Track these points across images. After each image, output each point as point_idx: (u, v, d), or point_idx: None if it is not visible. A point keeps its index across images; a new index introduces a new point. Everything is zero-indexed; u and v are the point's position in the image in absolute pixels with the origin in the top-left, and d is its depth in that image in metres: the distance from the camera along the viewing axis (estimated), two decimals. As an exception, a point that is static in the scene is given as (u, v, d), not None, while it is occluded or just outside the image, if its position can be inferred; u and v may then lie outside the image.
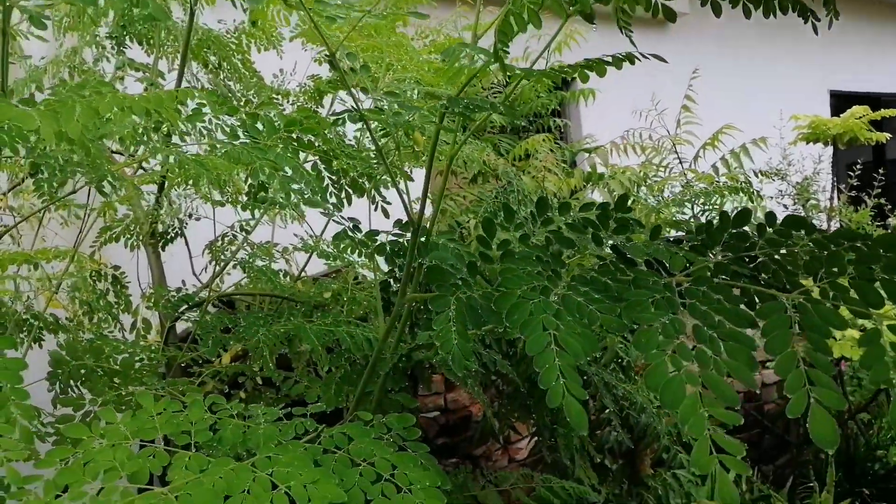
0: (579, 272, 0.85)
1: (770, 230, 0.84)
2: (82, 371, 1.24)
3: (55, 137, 1.05)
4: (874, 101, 6.03)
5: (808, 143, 4.09)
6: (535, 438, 2.56)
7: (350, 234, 1.20)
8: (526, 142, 2.22)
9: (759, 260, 0.82)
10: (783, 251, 0.81)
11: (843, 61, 6.81)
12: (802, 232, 0.83)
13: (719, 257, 0.84)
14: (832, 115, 4.74)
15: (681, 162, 2.50)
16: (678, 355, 0.63)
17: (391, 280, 1.65)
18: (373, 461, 0.87)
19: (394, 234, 1.22)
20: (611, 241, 0.94)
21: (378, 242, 1.20)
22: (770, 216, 0.85)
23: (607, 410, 2.10)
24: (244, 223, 2.08)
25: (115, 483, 0.73)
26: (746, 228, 0.85)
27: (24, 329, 1.64)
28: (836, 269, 0.73)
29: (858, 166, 4.59)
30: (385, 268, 1.69)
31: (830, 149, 4.54)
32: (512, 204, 1.68)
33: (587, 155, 2.63)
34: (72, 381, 1.26)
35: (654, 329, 0.66)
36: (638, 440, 2.63)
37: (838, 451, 3.97)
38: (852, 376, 4.73)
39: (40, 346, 1.67)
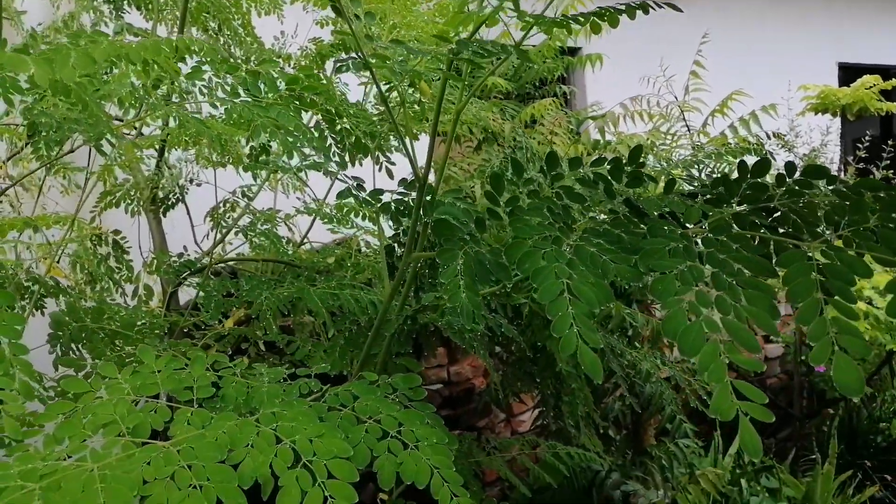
0: (591, 225, 0.83)
1: (790, 181, 0.81)
2: (83, 333, 1.22)
3: (51, 87, 1.02)
4: (883, 72, 5.93)
5: (816, 113, 4.03)
6: (539, 410, 2.56)
7: (354, 192, 1.18)
8: (532, 106, 2.18)
9: (779, 212, 0.79)
10: (803, 202, 0.78)
11: (851, 33, 6.70)
12: (824, 182, 0.80)
13: (737, 209, 0.81)
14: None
15: (689, 129, 2.46)
16: (697, 302, 0.60)
17: (396, 245, 1.62)
18: (379, 418, 0.85)
19: (399, 194, 1.19)
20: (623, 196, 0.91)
21: (383, 201, 1.17)
22: (790, 166, 0.82)
23: (614, 377, 2.09)
24: (246, 189, 2.05)
25: (115, 437, 0.71)
26: (765, 179, 0.82)
27: (26, 296, 1.62)
28: (858, 218, 0.70)
29: (867, 139, 4.53)
30: (390, 234, 1.67)
31: (839, 120, 4.48)
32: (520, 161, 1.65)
33: (593, 123, 2.58)
34: (73, 344, 1.24)
35: (671, 276, 0.63)
36: (642, 410, 2.62)
37: (841, 423, 3.98)
38: (856, 350, 4.71)
39: (42, 313, 1.65)
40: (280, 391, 0.90)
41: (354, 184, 1.21)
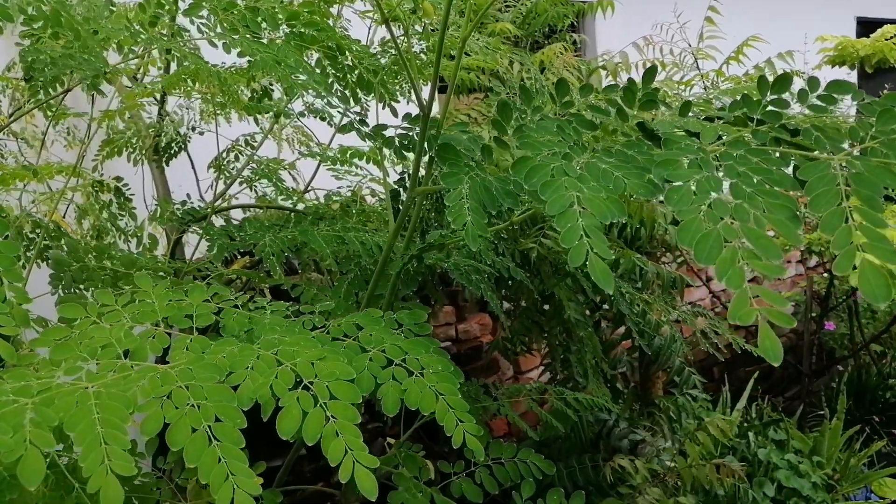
0: (604, 146, 0.79)
1: (813, 96, 0.77)
2: (84, 273, 1.20)
3: (43, 17, 0.99)
4: (903, 25, 5.77)
5: (833, 66, 3.92)
6: (547, 362, 2.55)
7: (356, 125, 1.14)
8: (542, 52, 2.12)
9: (802, 129, 0.75)
10: (827, 118, 0.74)
11: (871, -15, 6.50)
12: (849, 97, 0.76)
13: (757, 128, 0.77)
14: (859, 40, 4.54)
15: (703, 77, 2.39)
16: (714, 210, 0.57)
17: (401, 189, 1.59)
18: (383, 348, 0.83)
19: (402, 128, 1.16)
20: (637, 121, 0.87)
21: (386, 136, 1.14)
22: (813, 81, 0.78)
23: (622, 329, 2.07)
24: (249, 137, 2.02)
25: (112, 360, 0.70)
26: (786, 96, 0.78)
27: (30, 246, 1.61)
28: (887, 129, 0.66)
29: (884, 93, 4.41)
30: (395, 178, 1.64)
31: (856, 74, 4.36)
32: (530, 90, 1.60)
33: (605, 73, 2.51)
34: (74, 284, 1.23)
35: (687, 185, 0.60)
36: (651, 363, 2.61)
37: (849, 381, 3.97)
38: (866, 308, 4.68)
39: (47, 263, 1.64)
40: (283, 323, 0.88)
41: (357, 118, 1.18)
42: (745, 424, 3.07)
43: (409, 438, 1.45)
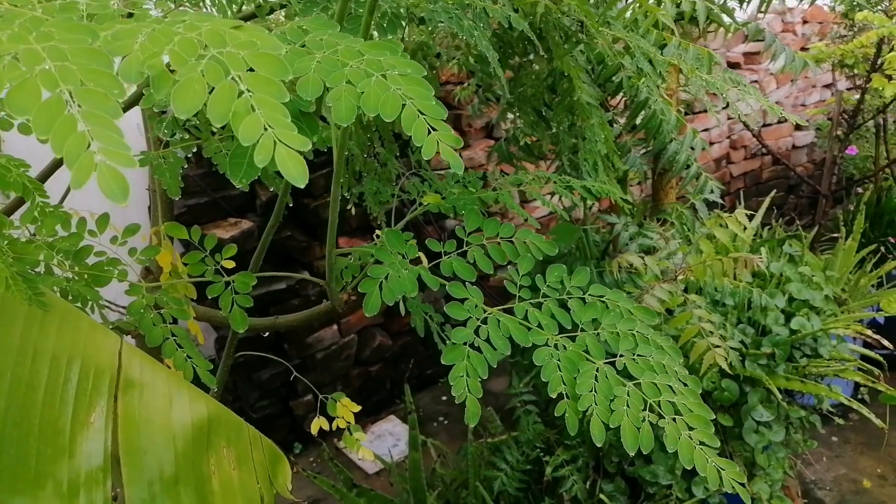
0: None
1: None
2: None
3: None
4: None
5: None
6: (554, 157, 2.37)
7: None
8: None
9: None
10: None
11: None
12: None
13: None
14: None
15: None
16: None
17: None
18: (336, 51, 0.64)
19: None
20: None
21: None
22: None
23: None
24: None
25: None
26: None
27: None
28: None
29: None
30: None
31: None
32: None
33: None
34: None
35: None
36: (665, 171, 2.44)
37: (868, 202, 3.81)
38: (895, 130, 4.42)
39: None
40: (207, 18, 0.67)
41: None
42: (758, 240, 2.96)
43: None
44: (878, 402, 2.64)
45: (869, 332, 2.35)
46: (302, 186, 0.44)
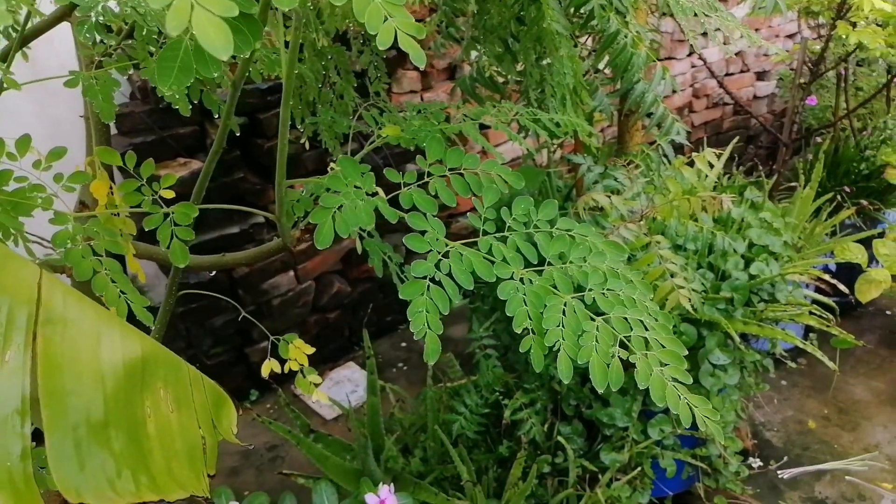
0: None
1: None
2: None
3: None
4: None
5: None
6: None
7: None
8: None
9: None
10: None
11: None
12: None
13: None
14: None
15: None
16: None
17: None
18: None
19: None
20: None
21: None
22: None
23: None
24: None
25: None
26: None
27: None
28: None
29: None
30: None
31: None
32: None
33: None
34: None
35: None
36: (631, 113, 2.38)
37: (826, 152, 3.84)
38: (854, 79, 4.45)
39: None
40: None
41: None
42: (720, 187, 2.95)
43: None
44: (828, 347, 2.70)
45: (827, 277, 2.38)
46: (224, 58, 0.36)
